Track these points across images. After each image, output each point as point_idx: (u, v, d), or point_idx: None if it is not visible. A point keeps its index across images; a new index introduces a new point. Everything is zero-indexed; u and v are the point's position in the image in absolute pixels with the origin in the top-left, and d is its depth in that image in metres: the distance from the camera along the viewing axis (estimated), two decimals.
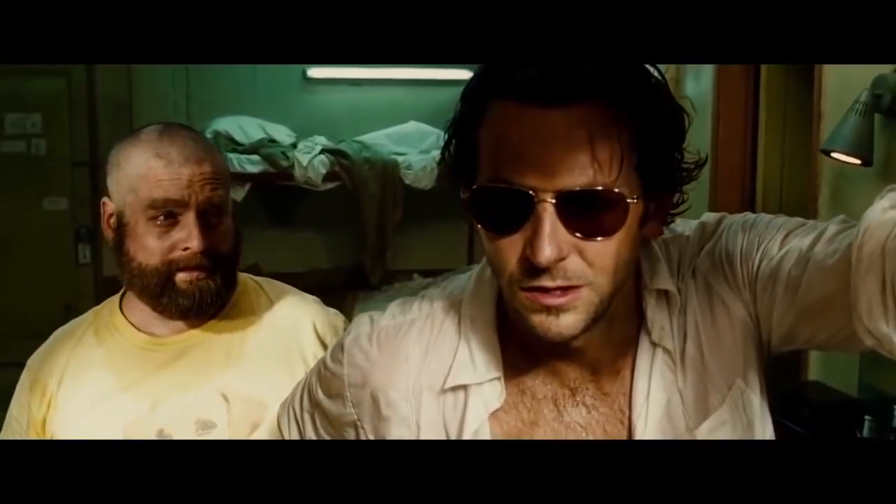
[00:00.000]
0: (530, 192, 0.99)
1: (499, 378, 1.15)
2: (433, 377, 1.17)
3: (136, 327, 1.65)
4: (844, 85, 3.18)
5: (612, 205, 1.01)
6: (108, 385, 1.61)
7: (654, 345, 1.14)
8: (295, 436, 1.36)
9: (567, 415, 1.15)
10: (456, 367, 1.16)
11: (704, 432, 1.13)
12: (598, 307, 1.05)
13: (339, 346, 1.26)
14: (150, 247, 1.55)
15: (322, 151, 5.76)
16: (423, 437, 1.17)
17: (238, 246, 1.64)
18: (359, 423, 1.23)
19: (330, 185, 5.78)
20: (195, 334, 1.64)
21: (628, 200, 1.02)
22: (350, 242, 6.25)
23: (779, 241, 1.09)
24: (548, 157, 0.99)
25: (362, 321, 1.25)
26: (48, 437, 1.62)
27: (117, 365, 1.62)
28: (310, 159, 5.67)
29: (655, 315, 1.15)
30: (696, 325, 1.15)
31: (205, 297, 1.57)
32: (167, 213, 1.53)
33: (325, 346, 1.62)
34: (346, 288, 5.73)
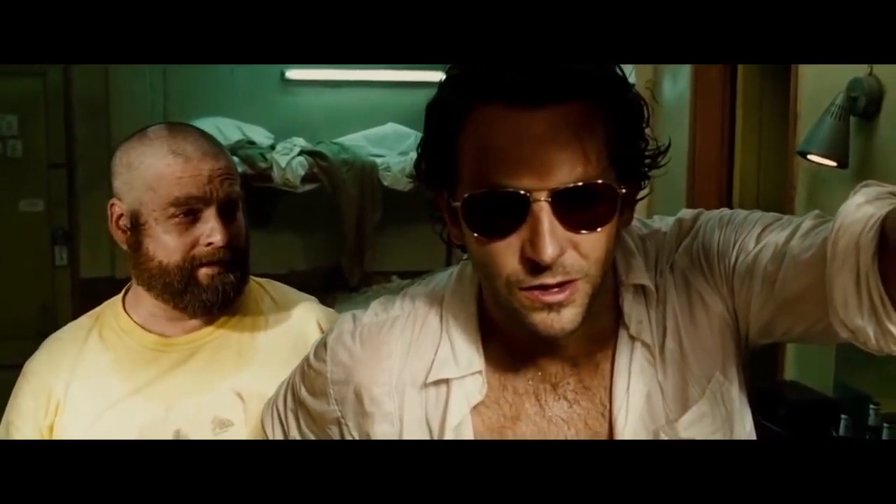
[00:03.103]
0: (525, 193, 1.00)
1: (480, 372, 1.17)
2: (415, 373, 1.19)
3: (143, 328, 1.64)
4: (820, 87, 3.20)
5: (603, 196, 1.04)
6: (119, 388, 1.60)
7: (633, 339, 1.16)
8: (279, 435, 1.38)
9: (549, 409, 1.17)
10: (438, 362, 1.18)
11: (684, 425, 1.15)
12: (591, 298, 1.07)
13: (323, 344, 1.27)
14: (170, 245, 1.54)
15: (300, 153, 5.74)
16: (407, 432, 1.19)
17: (249, 241, 1.64)
18: (342, 420, 1.24)
19: (308, 187, 5.77)
20: (205, 334, 1.64)
21: (617, 190, 1.05)
22: (328, 244, 6.23)
23: (755, 237, 1.11)
24: (539, 157, 1.00)
25: (345, 319, 1.27)
26: None
27: (128, 367, 1.61)
28: (288, 161, 5.66)
29: (633, 309, 1.17)
30: (675, 320, 1.17)
31: (227, 292, 1.57)
32: (188, 209, 1.53)
33: None
34: (324, 290, 5.71)
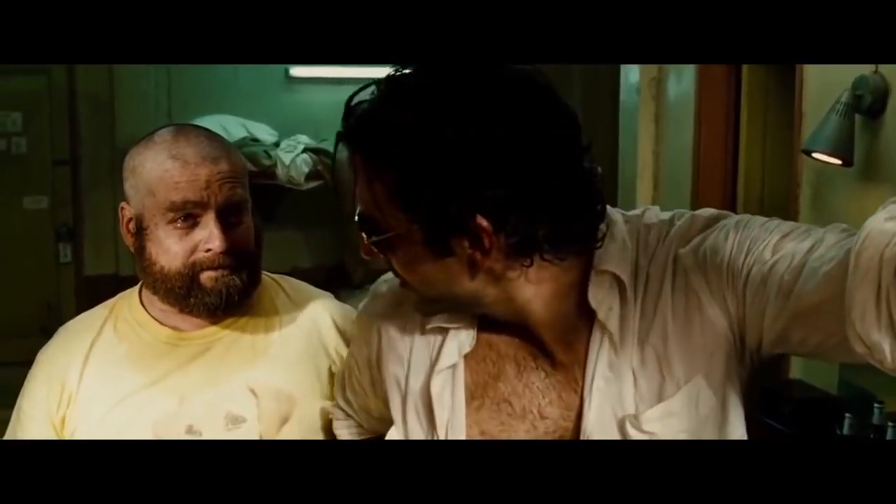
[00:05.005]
0: None
1: (473, 327, 1.26)
2: (423, 321, 1.32)
3: (159, 322, 1.65)
4: (825, 85, 3.20)
5: (380, 228, 1.21)
6: (133, 380, 1.60)
7: (603, 324, 1.19)
8: (342, 420, 1.57)
9: (526, 375, 1.25)
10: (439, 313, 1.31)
11: (649, 418, 1.18)
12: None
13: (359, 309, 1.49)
14: (171, 250, 1.55)
15: (304, 150, 5.74)
16: (412, 371, 1.32)
17: (260, 242, 1.64)
18: (371, 360, 1.40)
19: (312, 184, 5.77)
20: (219, 329, 1.64)
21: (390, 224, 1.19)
22: (332, 241, 6.24)
23: (772, 246, 1.11)
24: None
25: (378, 283, 1.47)
26: (68, 434, 1.61)
27: (142, 361, 1.62)
28: (292, 158, 5.66)
29: (603, 295, 1.19)
30: (664, 317, 1.18)
31: (232, 295, 1.58)
32: (186, 214, 1.54)
33: (345, 339, 1.66)
34: (327, 287, 5.67)
